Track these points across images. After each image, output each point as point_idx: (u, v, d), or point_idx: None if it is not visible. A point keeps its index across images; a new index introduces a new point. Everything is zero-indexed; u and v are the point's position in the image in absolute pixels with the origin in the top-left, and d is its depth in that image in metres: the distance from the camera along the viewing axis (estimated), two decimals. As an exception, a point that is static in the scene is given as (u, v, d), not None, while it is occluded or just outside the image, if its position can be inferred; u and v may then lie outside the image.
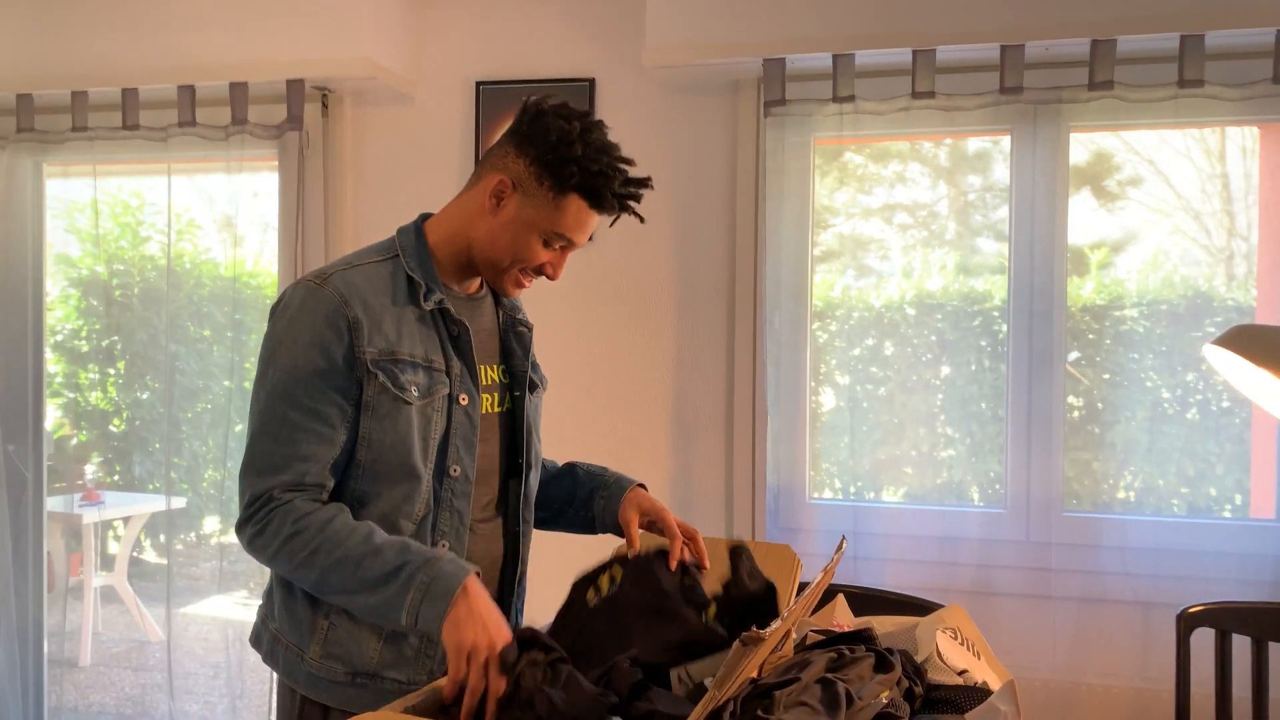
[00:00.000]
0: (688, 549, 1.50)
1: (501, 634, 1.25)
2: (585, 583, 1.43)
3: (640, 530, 1.58)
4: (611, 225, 1.52)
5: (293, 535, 1.33)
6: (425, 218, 1.53)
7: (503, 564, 1.57)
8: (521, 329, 1.59)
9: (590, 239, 1.52)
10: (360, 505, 1.40)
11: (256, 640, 1.52)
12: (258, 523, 1.36)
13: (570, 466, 1.71)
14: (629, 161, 1.44)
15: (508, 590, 1.59)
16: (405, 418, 1.39)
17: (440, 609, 1.26)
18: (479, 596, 1.28)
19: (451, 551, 1.43)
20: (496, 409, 1.53)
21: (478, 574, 1.31)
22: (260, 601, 1.55)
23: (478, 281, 1.55)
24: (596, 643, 1.33)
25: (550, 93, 1.46)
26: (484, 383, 1.51)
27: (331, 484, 1.39)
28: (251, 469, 1.38)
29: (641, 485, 1.65)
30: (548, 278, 1.49)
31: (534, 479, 1.61)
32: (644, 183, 1.46)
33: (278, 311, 1.42)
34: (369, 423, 1.39)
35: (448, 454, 1.44)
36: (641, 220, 1.53)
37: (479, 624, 1.24)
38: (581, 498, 1.65)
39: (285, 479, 1.35)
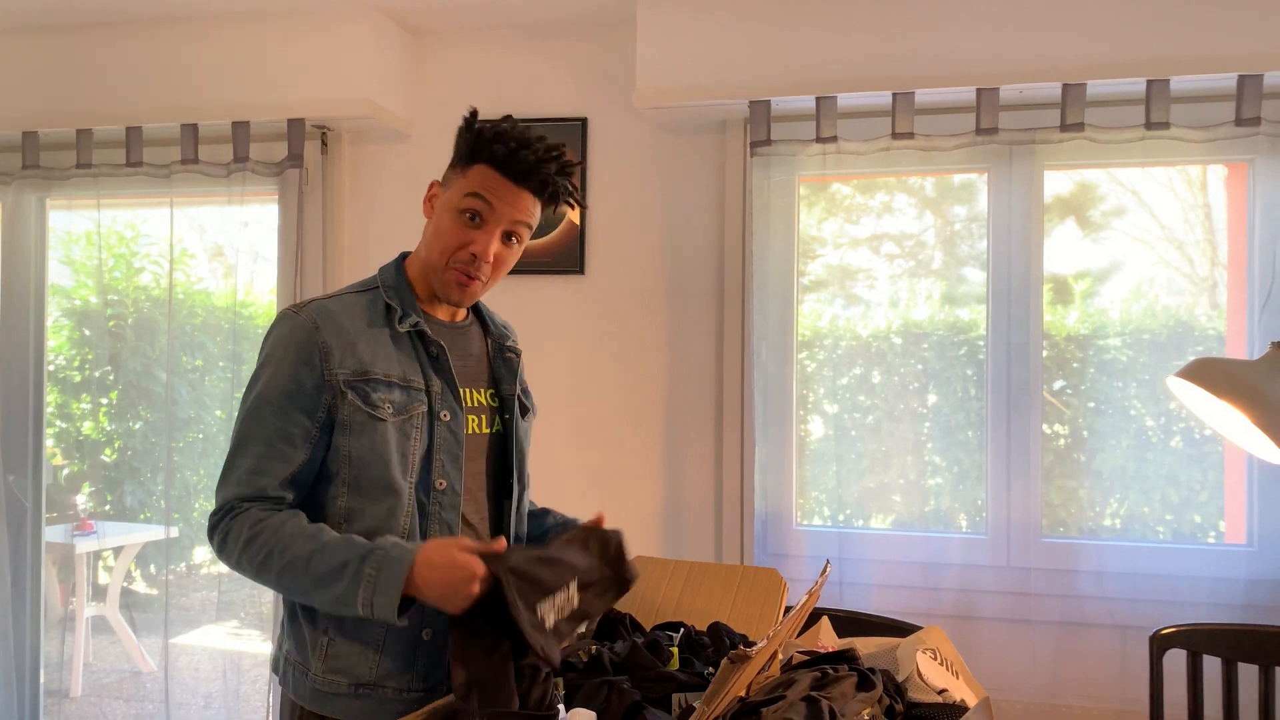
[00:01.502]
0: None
1: (469, 568, 1.29)
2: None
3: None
4: (554, 211, 1.54)
5: (250, 540, 1.40)
6: (405, 255, 1.61)
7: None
8: (510, 355, 1.65)
9: (530, 229, 1.52)
10: (347, 521, 1.46)
11: (275, 665, 1.58)
12: (221, 530, 1.44)
13: (545, 510, 1.76)
14: (540, 141, 1.46)
15: None
16: (381, 434, 1.45)
17: (391, 598, 1.32)
18: (428, 560, 1.32)
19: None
20: (485, 430, 1.58)
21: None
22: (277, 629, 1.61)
23: (461, 312, 1.62)
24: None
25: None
26: (471, 404, 1.56)
27: (290, 496, 1.46)
28: (221, 480, 1.47)
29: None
30: (479, 258, 1.47)
31: (526, 499, 1.66)
32: (550, 151, 1.46)
33: (264, 339, 1.52)
34: (348, 440, 1.45)
35: (431, 468, 1.48)
36: (556, 205, 1.52)
37: (443, 583, 1.30)
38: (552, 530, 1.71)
39: (244, 491, 1.44)
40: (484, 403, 1.59)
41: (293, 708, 1.52)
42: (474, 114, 1.50)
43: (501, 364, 1.63)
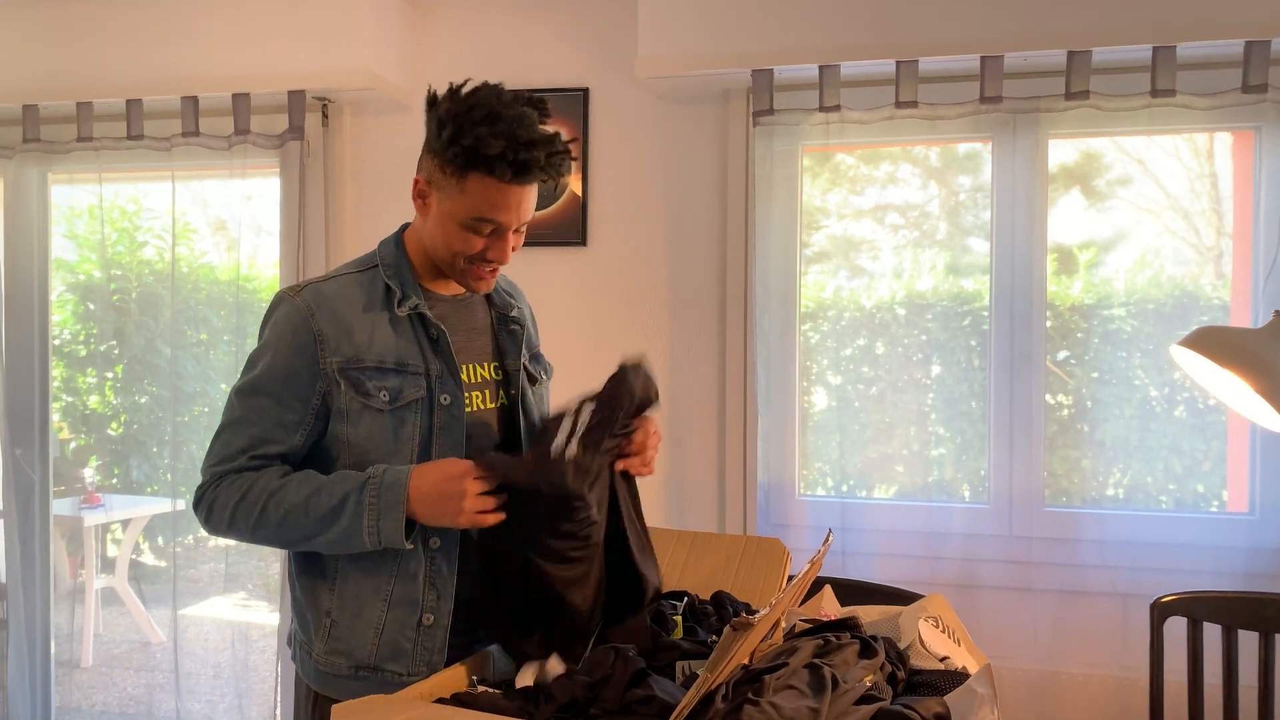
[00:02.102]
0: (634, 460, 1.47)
1: (467, 480, 1.33)
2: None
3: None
4: (556, 188, 1.52)
5: (241, 499, 1.41)
6: (406, 227, 1.57)
7: None
8: (514, 327, 1.61)
9: (526, 219, 1.47)
10: None
11: (290, 640, 1.60)
12: (208, 500, 1.44)
13: None
14: (525, 123, 1.36)
15: None
16: (378, 422, 1.44)
17: (396, 519, 1.35)
18: (425, 479, 1.36)
19: (444, 549, 1.47)
20: (490, 405, 1.55)
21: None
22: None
23: None
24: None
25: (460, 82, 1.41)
26: (474, 380, 1.53)
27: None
28: (209, 456, 1.47)
29: None
30: (495, 262, 1.46)
31: None
32: (542, 141, 1.37)
33: (264, 319, 1.51)
34: (345, 428, 1.45)
35: (431, 453, 1.46)
36: (557, 183, 1.49)
37: (442, 497, 1.34)
38: None
39: (233, 466, 1.44)
40: (488, 377, 1.56)
41: (305, 688, 1.54)
42: (451, 91, 1.39)
43: (506, 337, 1.60)
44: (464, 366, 1.52)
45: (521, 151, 1.35)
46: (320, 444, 1.48)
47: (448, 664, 1.46)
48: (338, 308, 1.46)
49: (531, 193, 1.43)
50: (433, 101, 1.41)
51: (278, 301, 1.49)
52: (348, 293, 1.48)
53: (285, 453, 1.45)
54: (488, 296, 1.62)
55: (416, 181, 1.47)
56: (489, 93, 1.37)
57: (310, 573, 1.52)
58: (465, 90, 1.39)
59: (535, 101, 1.40)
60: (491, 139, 1.33)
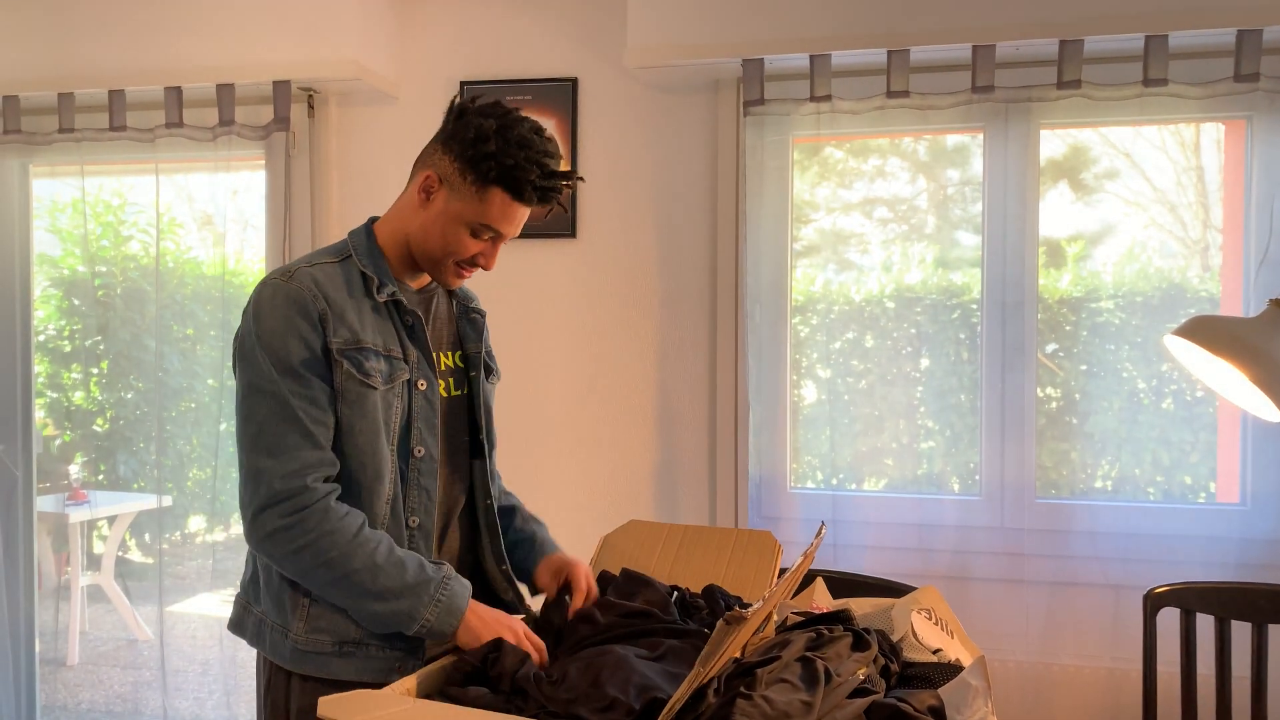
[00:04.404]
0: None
1: (514, 621, 1.43)
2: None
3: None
4: (547, 215, 1.62)
5: (326, 534, 1.40)
6: (374, 220, 1.61)
7: (471, 539, 1.67)
8: (475, 315, 1.69)
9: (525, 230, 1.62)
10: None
11: (238, 626, 1.58)
12: (287, 514, 1.40)
13: (513, 508, 1.79)
14: (553, 155, 1.50)
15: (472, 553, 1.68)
16: (372, 403, 1.47)
17: (453, 624, 1.43)
18: (481, 606, 1.46)
19: (423, 528, 1.54)
20: (456, 392, 1.62)
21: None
22: (238, 591, 1.61)
23: (427, 276, 1.63)
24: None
25: (481, 94, 1.54)
26: (442, 368, 1.60)
27: (339, 465, 1.46)
28: (268, 455, 1.42)
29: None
30: (481, 268, 1.56)
31: (494, 459, 1.70)
32: (564, 176, 1.51)
33: (251, 312, 1.48)
34: (342, 409, 1.46)
35: (410, 436, 1.52)
36: (565, 210, 1.63)
37: (493, 622, 1.43)
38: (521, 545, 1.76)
39: (313, 469, 1.42)
40: (452, 365, 1.63)
41: (271, 669, 1.53)
42: (465, 101, 1.52)
43: (467, 324, 1.67)
44: (435, 354, 1.59)
45: (548, 181, 1.48)
46: None
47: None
48: (330, 292, 1.48)
49: (528, 213, 1.55)
50: (461, 112, 1.50)
51: (269, 288, 1.47)
52: (333, 279, 1.50)
53: (330, 441, 1.46)
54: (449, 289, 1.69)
55: (427, 175, 1.51)
56: (520, 116, 1.50)
57: None
58: (499, 108, 1.50)
59: (548, 134, 1.53)
60: (527, 165, 1.46)
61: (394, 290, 1.52)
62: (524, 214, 1.52)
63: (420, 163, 1.54)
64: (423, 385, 1.53)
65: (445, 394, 1.59)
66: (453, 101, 1.53)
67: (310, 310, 1.44)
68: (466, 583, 1.46)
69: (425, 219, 1.52)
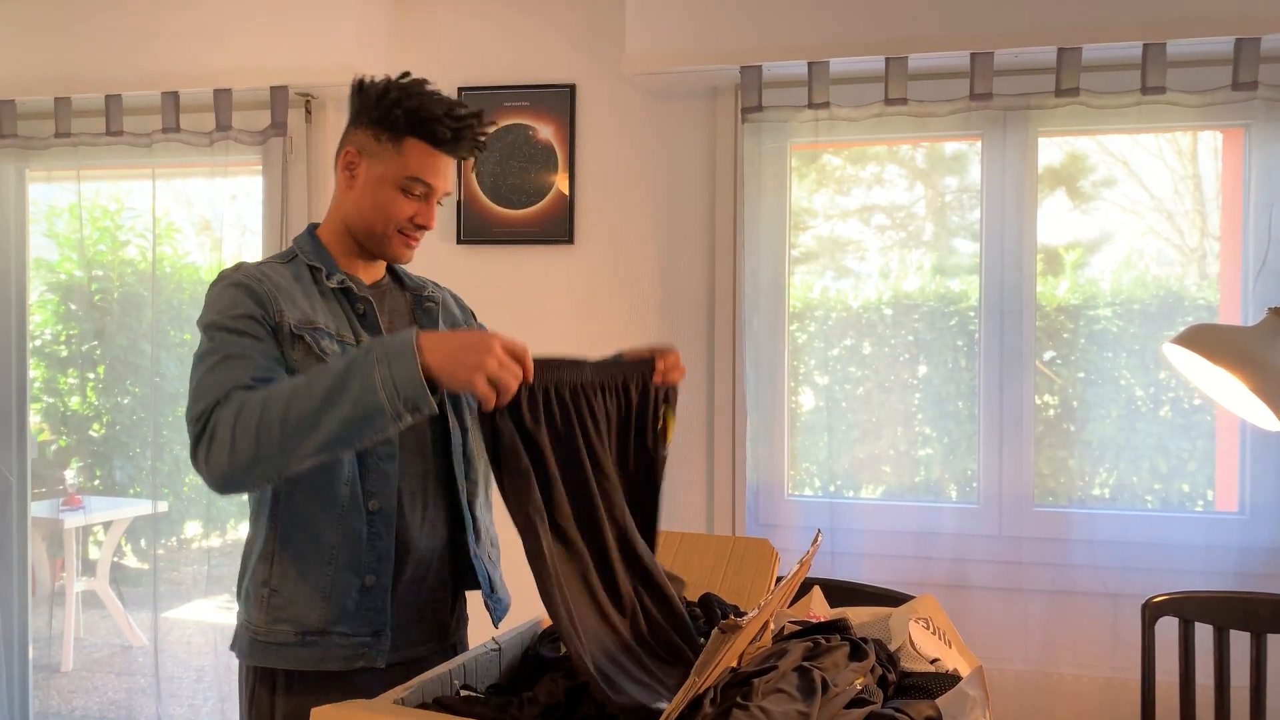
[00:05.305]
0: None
1: (496, 338, 1.24)
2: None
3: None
4: (474, 166, 1.61)
5: (238, 413, 1.33)
6: (314, 226, 1.64)
7: (449, 534, 1.62)
8: (429, 304, 1.68)
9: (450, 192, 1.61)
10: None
11: (233, 643, 1.58)
12: (207, 436, 1.36)
13: None
14: (457, 103, 1.53)
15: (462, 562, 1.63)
16: None
17: (411, 364, 1.25)
18: (428, 333, 1.29)
19: (383, 513, 1.50)
20: None
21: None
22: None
23: (380, 269, 1.65)
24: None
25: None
26: None
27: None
28: (194, 404, 1.39)
29: None
30: (423, 227, 1.57)
31: (470, 444, 1.63)
32: (473, 115, 1.53)
33: (206, 302, 1.50)
34: None
35: None
36: (481, 150, 1.60)
37: (465, 346, 1.24)
38: None
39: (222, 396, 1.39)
40: None
41: (254, 679, 1.53)
42: (359, 80, 1.55)
43: (422, 314, 1.66)
44: None
45: (458, 122, 1.51)
46: None
47: (393, 628, 1.51)
48: (279, 281, 1.50)
49: (454, 165, 1.59)
50: (360, 86, 1.54)
51: (216, 282, 1.52)
52: (280, 272, 1.53)
53: (269, 375, 1.42)
54: (400, 281, 1.69)
55: (346, 153, 1.55)
56: (419, 79, 1.54)
57: (251, 548, 1.54)
58: (395, 78, 1.53)
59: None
60: (432, 105, 1.49)
61: (343, 278, 1.55)
62: (447, 163, 1.54)
63: (338, 150, 1.58)
64: None
65: None
66: (351, 84, 1.56)
67: (256, 290, 1.46)
68: (404, 331, 1.33)
69: (356, 195, 1.55)
